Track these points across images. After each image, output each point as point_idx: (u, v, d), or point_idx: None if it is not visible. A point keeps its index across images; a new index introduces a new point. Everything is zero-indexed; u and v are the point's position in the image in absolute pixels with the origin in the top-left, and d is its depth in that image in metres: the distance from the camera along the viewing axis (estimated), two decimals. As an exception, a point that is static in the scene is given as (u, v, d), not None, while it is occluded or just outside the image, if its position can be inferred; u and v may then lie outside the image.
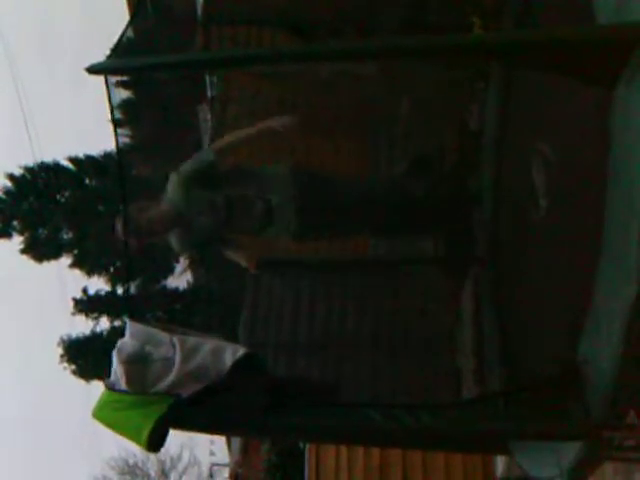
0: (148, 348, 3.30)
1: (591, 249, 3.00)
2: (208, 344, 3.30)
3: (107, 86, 3.68)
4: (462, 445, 3.88)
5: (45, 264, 25.84)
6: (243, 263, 4.75)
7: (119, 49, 4.01)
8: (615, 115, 2.87)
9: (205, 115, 6.65)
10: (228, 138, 4.60)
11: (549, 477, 3.21)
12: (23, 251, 25.41)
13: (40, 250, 25.32)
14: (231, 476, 19.19)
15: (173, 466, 29.15)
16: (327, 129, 6.03)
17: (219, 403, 3.23)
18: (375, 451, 7.00)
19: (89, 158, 25.55)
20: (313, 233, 4.64)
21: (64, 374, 25.86)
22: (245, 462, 16.17)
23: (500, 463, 6.33)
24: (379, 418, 3.15)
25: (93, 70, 3.23)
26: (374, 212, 4.60)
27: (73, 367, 25.88)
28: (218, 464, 25.79)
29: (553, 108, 3.85)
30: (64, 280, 26.38)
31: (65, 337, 25.86)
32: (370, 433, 3.30)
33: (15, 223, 25.27)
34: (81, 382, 25.52)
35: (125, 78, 4.08)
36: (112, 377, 3.30)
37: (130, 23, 4.45)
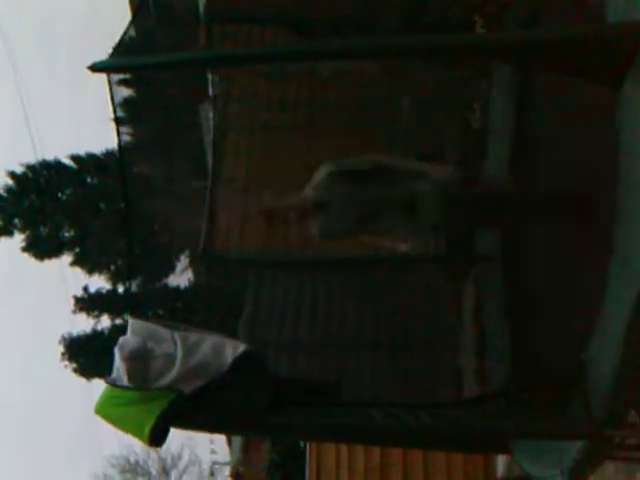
0: (150, 344, 3.31)
1: (599, 251, 2.99)
2: (209, 341, 3.31)
3: (109, 84, 3.69)
4: (463, 444, 3.87)
5: (46, 262, 25.85)
6: (388, 244, 4.84)
7: (121, 47, 4.02)
8: (622, 114, 2.87)
9: (207, 113, 6.65)
10: (377, 156, 4.70)
11: (550, 476, 3.21)
12: (24, 249, 25.40)
13: (41, 248, 25.31)
14: (232, 475, 19.17)
15: (174, 464, 29.12)
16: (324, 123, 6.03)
17: (220, 401, 3.23)
18: (376, 451, 6.99)
19: (90, 156, 25.53)
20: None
21: (65, 372, 25.90)
22: (246, 461, 16.17)
23: (501, 463, 6.32)
24: (380, 417, 3.15)
25: (96, 68, 3.24)
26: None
27: (74, 365, 25.88)
28: (219, 462, 25.79)
29: (560, 107, 3.85)
30: (65, 278, 26.39)
31: (66, 335, 25.88)
32: (371, 432, 3.30)
33: (16, 221, 25.26)
34: (82, 380, 25.55)
35: (127, 76, 4.08)
36: (114, 373, 3.31)
37: (132, 22, 4.46)
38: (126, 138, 4.61)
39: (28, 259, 25.60)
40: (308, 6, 6.06)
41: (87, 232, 24.65)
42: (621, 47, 2.75)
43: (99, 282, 25.72)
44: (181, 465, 29.17)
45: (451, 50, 2.98)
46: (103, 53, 4.54)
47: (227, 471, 22.89)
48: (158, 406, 3.16)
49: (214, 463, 26.13)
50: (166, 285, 24.29)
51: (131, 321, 3.47)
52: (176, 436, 3.56)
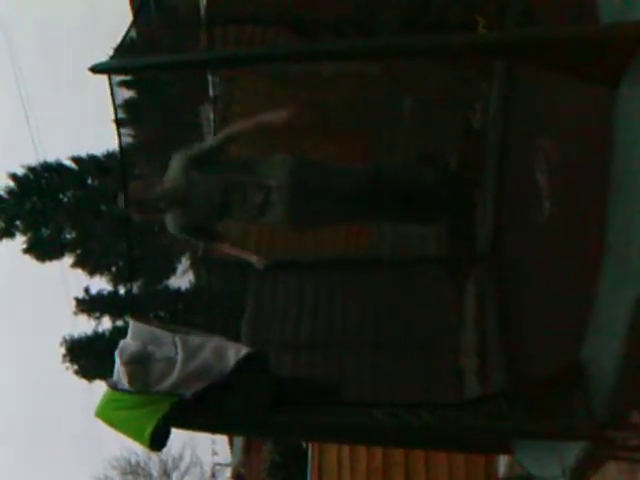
0: (150, 348, 3.30)
1: (595, 250, 2.99)
2: (210, 343, 3.31)
3: (110, 86, 3.69)
4: (465, 445, 3.87)
5: (47, 264, 25.86)
6: (251, 259, 4.82)
7: (122, 49, 4.02)
8: (617, 115, 2.87)
9: (207, 115, 6.65)
10: (228, 129, 4.69)
11: (551, 477, 3.21)
12: (26, 251, 25.41)
13: (42, 250, 25.31)
14: (233, 476, 19.17)
15: (175, 466, 29.13)
16: (326, 123, 6.04)
17: (222, 402, 3.23)
18: (378, 451, 6.99)
19: (92, 158, 25.53)
20: (309, 220, 4.70)
21: (66, 374, 25.89)
22: (247, 462, 16.17)
23: (502, 464, 6.32)
24: (382, 417, 3.15)
25: (97, 70, 3.24)
26: (371, 199, 4.64)
27: (75, 367, 25.89)
28: (220, 464, 25.79)
29: (556, 107, 3.84)
30: (66, 280, 26.39)
31: (67, 337, 25.90)
32: (373, 432, 3.30)
33: (18, 223, 25.28)
34: (83, 382, 25.55)
35: (128, 78, 4.08)
36: (114, 377, 3.30)
37: (133, 23, 4.46)
38: (127, 140, 4.62)
39: (29, 261, 25.62)
40: (309, 7, 6.06)
41: (88, 234, 24.66)
42: (618, 48, 2.76)
43: (100, 284, 25.73)
44: (182, 467, 29.18)
45: (449, 50, 2.98)
46: (104, 54, 4.54)
47: (228, 472, 22.88)
48: (159, 410, 3.15)
49: (215, 464, 26.15)
50: (167, 287, 24.31)
51: (132, 324, 3.47)
52: (177, 437, 3.56)
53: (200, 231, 4.75)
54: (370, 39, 3.87)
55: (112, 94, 3.76)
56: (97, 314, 25.71)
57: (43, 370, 35.09)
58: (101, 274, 25.42)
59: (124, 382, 3.21)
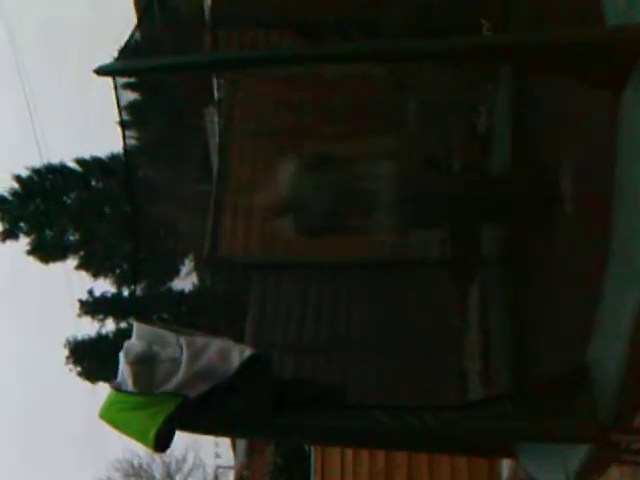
0: (155, 349, 3.31)
1: (600, 252, 2.99)
2: (215, 345, 3.31)
3: (115, 88, 3.70)
4: (468, 448, 3.87)
5: (51, 265, 25.90)
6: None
7: (127, 51, 4.02)
8: (622, 119, 2.87)
9: (212, 117, 6.65)
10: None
11: (555, 480, 3.20)
12: (29, 252, 25.46)
13: (46, 251, 25.36)
14: (236, 479, 19.17)
15: (178, 468, 29.11)
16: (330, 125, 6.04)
17: (225, 404, 3.23)
18: (380, 454, 6.99)
19: (96, 159, 25.58)
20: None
21: (70, 376, 25.92)
22: (250, 465, 16.16)
23: (505, 467, 6.31)
24: (385, 420, 3.15)
25: (101, 72, 3.25)
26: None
27: (79, 369, 25.92)
28: (223, 466, 25.81)
29: (562, 110, 3.84)
30: (70, 282, 26.42)
31: (71, 339, 25.93)
32: (376, 435, 3.30)
33: (22, 224, 25.32)
34: (87, 384, 25.57)
35: (133, 80, 4.09)
36: (119, 378, 3.30)
37: (138, 25, 4.46)
38: (131, 142, 4.62)
39: (33, 262, 25.66)
40: (313, 9, 6.06)
41: (92, 236, 24.70)
42: (622, 50, 2.75)
43: (104, 286, 25.79)
44: (185, 469, 29.17)
45: (453, 53, 2.99)
46: (109, 56, 4.55)
47: (231, 475, 22.90)
48: (163, 411, 3.15)
49: (218, 467, 26.18)
50: (171, 289, 24.36)
51: (136, 325, 3.47)
52: (180, 440, 3.56)
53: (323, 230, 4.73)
54: (375, 42, 3.87)
55: (117, 96, 3.77)
56: (101, 316, 25.76)
57: (46, 371, 35.12)
58: (105, 276, 25.48)
59: (129, 382, 3.22)
